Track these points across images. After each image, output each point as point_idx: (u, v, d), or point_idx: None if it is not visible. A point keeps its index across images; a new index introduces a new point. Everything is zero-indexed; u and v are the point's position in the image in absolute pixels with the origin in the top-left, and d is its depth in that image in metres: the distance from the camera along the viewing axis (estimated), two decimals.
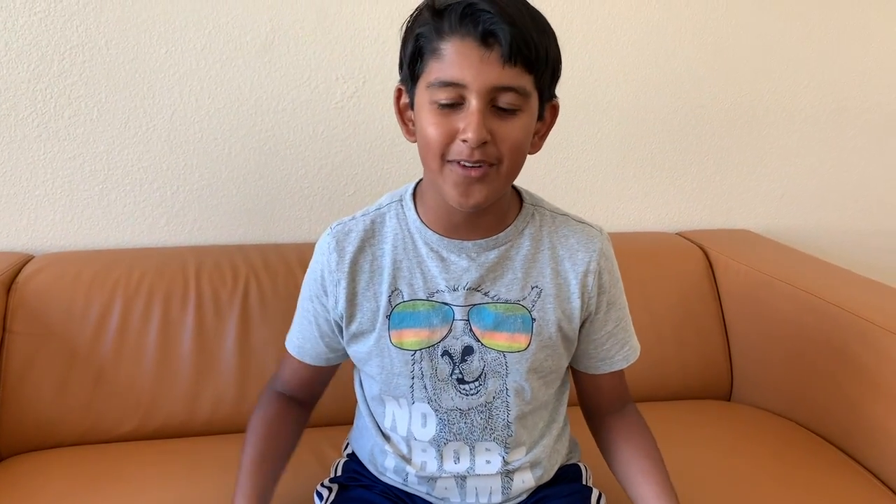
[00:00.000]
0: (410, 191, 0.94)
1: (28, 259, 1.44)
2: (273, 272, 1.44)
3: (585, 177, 1.73)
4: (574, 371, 1.02)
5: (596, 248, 0.93)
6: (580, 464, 1.09)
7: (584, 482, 1.06)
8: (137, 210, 1.54)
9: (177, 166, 1.53)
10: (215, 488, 1.14)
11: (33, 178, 1.48)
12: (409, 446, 0.98)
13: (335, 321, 0.94)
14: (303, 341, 0.98)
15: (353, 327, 0.93)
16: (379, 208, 0.95)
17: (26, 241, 1.50)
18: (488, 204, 0.84)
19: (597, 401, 1.02)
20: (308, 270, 0.97)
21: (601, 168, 1.74)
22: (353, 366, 1.02)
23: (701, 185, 1.82)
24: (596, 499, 1.04)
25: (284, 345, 1.01)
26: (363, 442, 1.05)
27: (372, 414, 1.01)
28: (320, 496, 1.05)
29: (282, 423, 0.98)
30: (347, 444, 1.12)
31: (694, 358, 1.57)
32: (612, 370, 0.99)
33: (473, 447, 0.96)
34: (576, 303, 0.92)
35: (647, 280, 1.58)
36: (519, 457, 0.98)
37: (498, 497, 1.00)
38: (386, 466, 1.02)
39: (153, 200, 1.54)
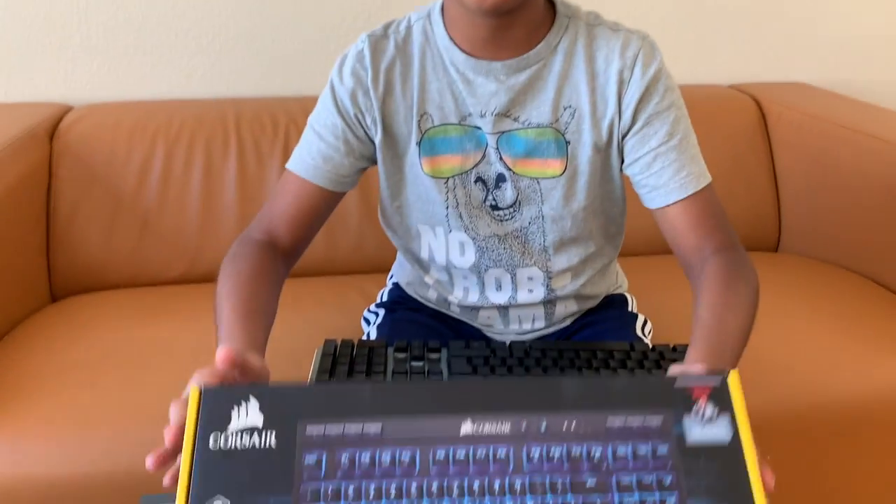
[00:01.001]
0: (438, 6, 0.88)
1: (67, 109, 1.46)
2: None
3: (636, 26, 1.68)
4: (653, 213, 0.91)
5: (632, 54, 0.85)
6: (627, 293, 1.09)
7: (629, 309, 1.07)
8: (174, 59, 1.53)
9: (212, 14, 1.51)
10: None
11: (68, 28, 1.48)
12: (449, 274, 0.97)
13: (362, 137, 0.89)
14: (320, 161, 0.88)
15: (385, 148, 0.89)
16: (407, 25, 0.88)
17: (64, 92, 1.52)
18: (510, 6, 0.77)
19: (677, 247, 0.87)
20: (331, 84, 0.89)
21: (652, 18, 1.68)
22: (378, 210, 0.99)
23: (756, 35, 1.75)
24: (641, 325, 1.04)
25: (287, 168, 0.90)
26: (404, 275, 1.07)
27: (408, 250, 0.99)
28: (367, 321, 1.09)
29: (264, 279, 0.83)
30: (392, 275, 1.14)
31: (742, 211, 1.55)
32: (672, 201, 0.85)
33: (514, 274, 0.95)
34: (612, 117, 0.86)
35: (697, 133, 1.54)
36: (562, 285, 0.96)
37: (541, 323, 1.00)
38: (428, 298, 1.03)
39: (189, 50, 1.53)
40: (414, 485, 0.52)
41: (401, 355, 0.88)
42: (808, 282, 1.41)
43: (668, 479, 0.53)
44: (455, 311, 1.03)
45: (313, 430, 0.53)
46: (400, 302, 1.07)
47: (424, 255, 0.96)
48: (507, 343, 0.93)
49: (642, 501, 0.52)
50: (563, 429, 0.54)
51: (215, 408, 0.53)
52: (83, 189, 1.38)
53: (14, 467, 0.97)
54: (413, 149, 0.88)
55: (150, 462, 0.56)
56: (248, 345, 0.70)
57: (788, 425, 1.12)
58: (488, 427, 0.54)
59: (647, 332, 1.04)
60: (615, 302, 1.07)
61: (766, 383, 1.12)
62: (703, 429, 0.54)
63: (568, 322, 1.03)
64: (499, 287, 0.96)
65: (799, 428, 1.13)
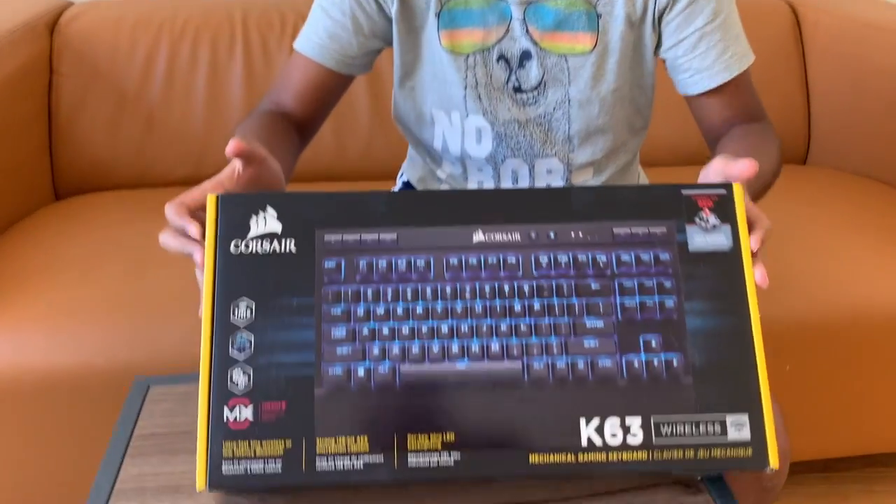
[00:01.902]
0: None
1: (67, 4, 1.46)
2: None
3: None
4: (687, 100, 0.90)
5: None
6: None
7: None
8: None
9: None
10: None
11: None
12: (463, 166, 0.93)
13: (373, 13, 0.85)
14: (327, 39, 0.85)
15: (401, 20, 0.85)
16: None
17: None
18: None
19: (710, 127, 0.87)
20: None
21: None
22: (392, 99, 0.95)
23: None
24: None
25: (295, 48, 0.88)
26: (415, 171, 1.04)
27: (420, 142, 0.96)
28: None
29: (279, 133, 0.81)
30: (402, 173, 1.10)
31: (772, 119, 1.56)
32: (716, 84, 0.84)
33: (533, 166, 0.91)
34: None
35: None
36: (583, 180, 0.93)
37: None
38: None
39: None
40: (429, 288, 0.56)
41: None
42: (838, 194, 1.41)
43: (668, 284, 0.56)
44: None
45: (331, 237, 0.57)
46: None
47: (437, 144, 0.92)
48: None
49: (642, 304, 0.56)
50: (571, 237, 0.57)
51: (234, 215, 0.57)
52: (85, 86, 1.38)
53: (14, 356, 1.01)
54: (431, 21, 0.84)
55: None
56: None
57: (816, 334, 1.15)
58: (499, 236, 0.57)
59: None
60: None
61: (796, 293, 1.13)
62: (705, 237, 0.57)
63: None
64: (515, 181, 0.93)
65: (827, 337, 1.16)
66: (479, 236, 0.57)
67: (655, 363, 0.55)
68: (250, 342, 0.54)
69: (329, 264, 0.56)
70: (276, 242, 0.56)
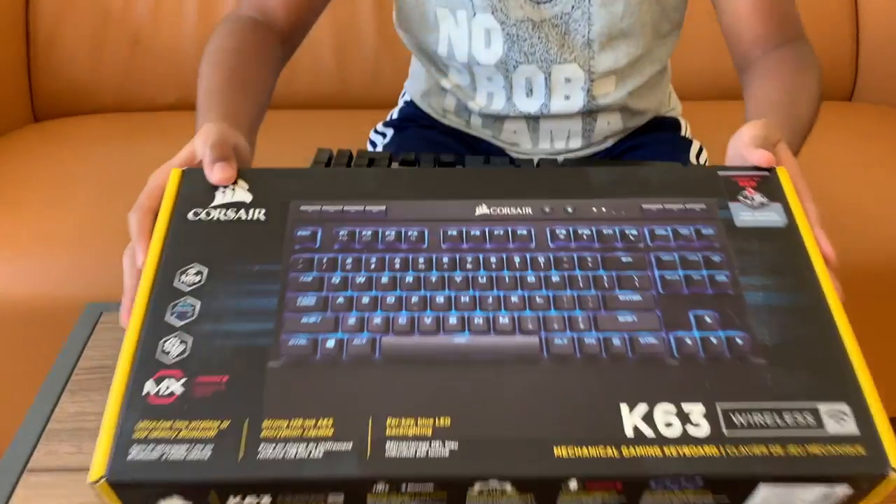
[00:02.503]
0: None
1: None
2: None
3: None
4: (717, 11, 0.79)
5: None
6: (680, 118, 0.94)
7: (683, 134, 0.92)
8: None
9: None
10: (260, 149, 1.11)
11: None
12: (471, 75, 0.83)
13: None
14: None
15: None
16: None
17: None
18: None
19: (738, 39, 0.75)
20: None
21: None
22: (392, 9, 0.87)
23: None
24: (696, 152, 0.90)
25: None
26: (418, 86, 0.93)
27: (423, 49, 0.85)
28: (374, 144, 0.95)
29: (255, 53, 0.71)
30: (404, 92, 0.99)
31: (817, 54, 1.44)
32: None
33: (549, 74, 0.80)
34: None
35: None
36: (605, 92, 0.82)
37: (577, 142, 0.86)
38: (445, 108, 0.89)
39: None
40: (422, 258, 0.46)
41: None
42: (886, 133, 1.30)
43: (716, 258, 0.46)
44: (476, 125, 0.89)
45: (308, 207, 0.48)
46: (412, 119, 0.94)
47: (443, 49, 0.81)
48: (536, 161, 0.77)
49: (687, 277, 0.45)
50: (593, 211, 0.48)
51: (198, 187, 0.49)
52: (66, 1, 1.28)
53: None
54: None
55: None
56: (229, 118, 0.59)
57: (864, 276, 1.04)
58: (507, 210, 0.48)
59: (702, 161, 0.91)
60: (666, 125, 0.92)
61: (842, 235, 1.00)
62: (753, 213, 0.48)
63: (609, 143, 0.88)
64: (529, 91, 0.82)
65: (876, 279, 1.06)
66: (482, 209, 0.48)
67: (714, 341, 0.42)
68: (194, 308, 0.43)
69: (303, 232, 0.47)
70: (242, 211, 0.48)
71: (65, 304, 0.91)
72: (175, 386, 0.40)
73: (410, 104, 0.96)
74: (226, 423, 0.39)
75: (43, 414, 0.51)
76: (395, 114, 0.98)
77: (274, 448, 0.38)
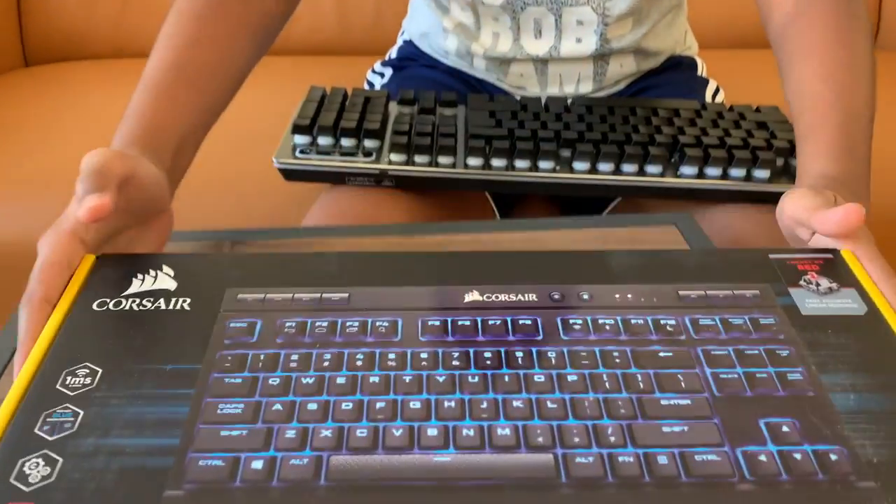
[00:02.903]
0: None
1: None
2: None
3: None
4: None
5: None
6: (696, 57, 0.88)
7: (699, 73, 0.85)
8: None
9: None
10: (254, 94, 0.95)
11: None
12: (475, 14, 0.77)
13: None
14: None
15: None
16: None
17: None
18: None
19: (773, 11, 0.62)
20: None
21: None
22: None
23: None
24: (713, 92, 0.83)
25: None
26: (417, 25, 0.86)
27: None
28: (371, 84, 0.87)
29: (230, 13, 0.58)
30: (403, 31, 0.92)
31: None
32: None
33: (560, 16, 0.75)
34: None
35: None
36: (620, 34, 0.76)
37: (588, 86, 0.79)
38: (447, 49, 0.82)
39: None
40: (392, 353, 0.35)
41: (406, 109, 0.67)
42: None
43: (784, 352, 0.35)
44: (479, 68, 0.82)
45: (249, 295, 0.38)
46: (412, 59, 0.86)
47: None
48: (543, 101, 0.70)
49: (749, 376, 0.34)
50: (616, 298, 0.38)
51: (112, 276, 0.39)
52: None
53: None
54: None
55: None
56: (148, 133, 0.48)
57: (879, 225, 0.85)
58: (504, 297, 0.38)
59: (719, 100, 0.83)
60: (682, 64, 0.85)
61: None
62: (821, 300, 0.38)
63: (622, 86, 0.81)
64: (538, 33, 0.76)
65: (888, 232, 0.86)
66: (473, 296, 0.38)
67: (798, 457, 0.30)
68: (74, 419, 0.31)
69: (237, 324, 0.36)
70: (162, 300, 0.37)
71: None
72: None
73: (410, 43, 0.89)
74: None
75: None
76: (393, 52, 0.91)
77: None
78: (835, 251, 0.41)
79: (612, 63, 0.80)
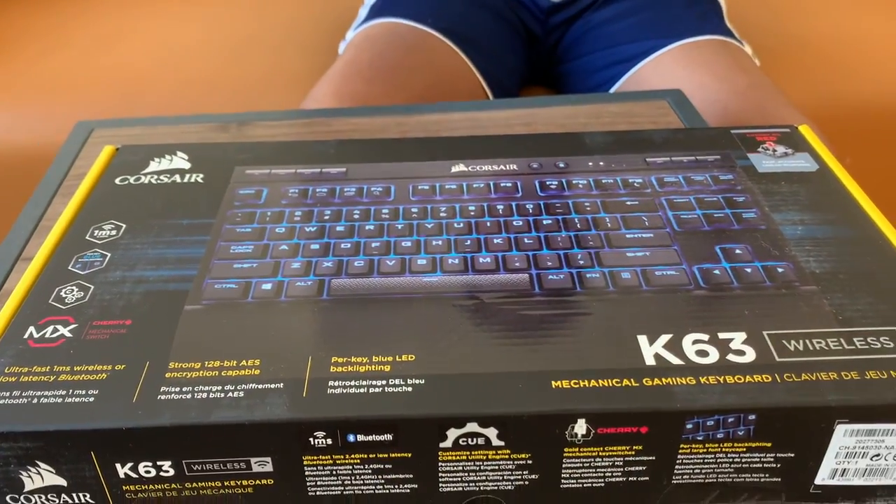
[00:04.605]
0: None
1: None
2: None
3: None
4: None
5: None
6: None
7: None
8: None
9: None
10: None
11: None
12: None
13: None
14: None
15: None
16: None
17: None
18: None
19: None
20: None
21: None
22: None
23: None
24: None
25: None
26: None
27: None
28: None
29: None
30: None
31: None
32: None
33: None
34: None
35: None
36: None
37: None
38: None
39: None
40: (386, 209, 0.39)
41: None
42: None
43: (740, 199, 0.39)
44: None
45: (255, 171, 0.42)
46: None
47: None
48: None
49: (708, 216, 0.38)
50: (588, 165, 0.42)
51: (131, 159, 0.43)
52: None
53: None
54: None
55: None
56: None
57: (882, 119, 0.95)
58: (488, 167, 0.42)
59: None
60: None
61: (857, 74, 0.96)
62: (777, 162, 0.42)
63: None
64: None
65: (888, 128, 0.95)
66: (459, 167, 0.42)
67: (749, 272, 0.34)
68: (103, 259, 0.36)
69: (245, 191, 0.41)
70: (177, 175, 0.42)
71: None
72: (63, 330, 0.32)
73: None
74: (121, 367, 0.30)
75: (36, 213, 0.49)
76: None
77: (179, 389, 0.29)
78: (792, 126, 0.45)
79: None
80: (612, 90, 0.79)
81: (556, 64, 0.90)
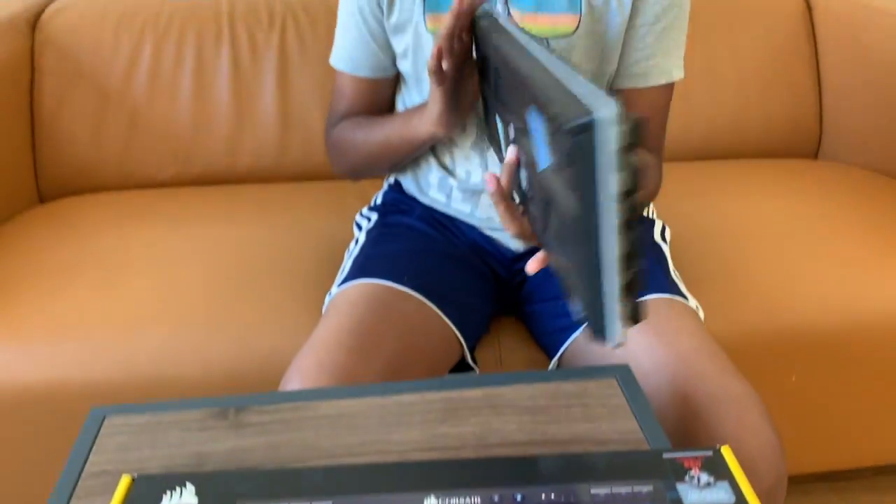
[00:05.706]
0: None
1: (49, 0, 1.42)
2: (312, 12, 1.40)
3: None
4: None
5: None
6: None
7: (647, 215, 1.04)
8: None
9: None
10: (256, 226, 1.22)
11: None
12: (451, 154, 0.96)
13: (379, 17, 0.91)
14: (353, 52, 0.94)
15: (393, 18, 0.90)
16: None
17: None
18: None
19: None
20: None
21: None
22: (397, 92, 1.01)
23: None
24: (660, 231, 1.01)
25: (331, 64, 0.97)
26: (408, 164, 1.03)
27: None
28: (359, 226, 1.06)
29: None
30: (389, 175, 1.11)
31: (782, 112, 1.50)
32: (649, 84, 0.91)
33: None
34: None
35: (735, 26, 1.49)
36: None
37: None
38: (430, 182, 1.01)
39: None
40: None
41: None
42: (850, 191, 1.35)
43: None
44: (457, 200, 0.99)
45: None
46: (394, 204, 1.05)
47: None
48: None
49: None
50: (542, 498, 0.50)
51: (145, 494, 0.51)
52: (68, 84, 1.35)
53: None
54: (418, 6, 0.88)
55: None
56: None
57: (824, 342, 1.08)
58: (455, 500, 0.50)
59: (666, 237, 1.01)
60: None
61: (804, 299, 1.07)
62: (700, 493, 0.50)
63: None
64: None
65: (836, 345, 1.09)
66: (430, 501, 0.50)
67: None
68: None
69: None
70: None
71: (70, 391, 0.96)
72: None
73: (395, 188, 1.07)
74: None
75: None
76: (379, 197, 1.09)
77: None
78: (715, 448, 0.53)
79: None
80: (568, 342, 0.90)
81: (522, 303, 1.00)
